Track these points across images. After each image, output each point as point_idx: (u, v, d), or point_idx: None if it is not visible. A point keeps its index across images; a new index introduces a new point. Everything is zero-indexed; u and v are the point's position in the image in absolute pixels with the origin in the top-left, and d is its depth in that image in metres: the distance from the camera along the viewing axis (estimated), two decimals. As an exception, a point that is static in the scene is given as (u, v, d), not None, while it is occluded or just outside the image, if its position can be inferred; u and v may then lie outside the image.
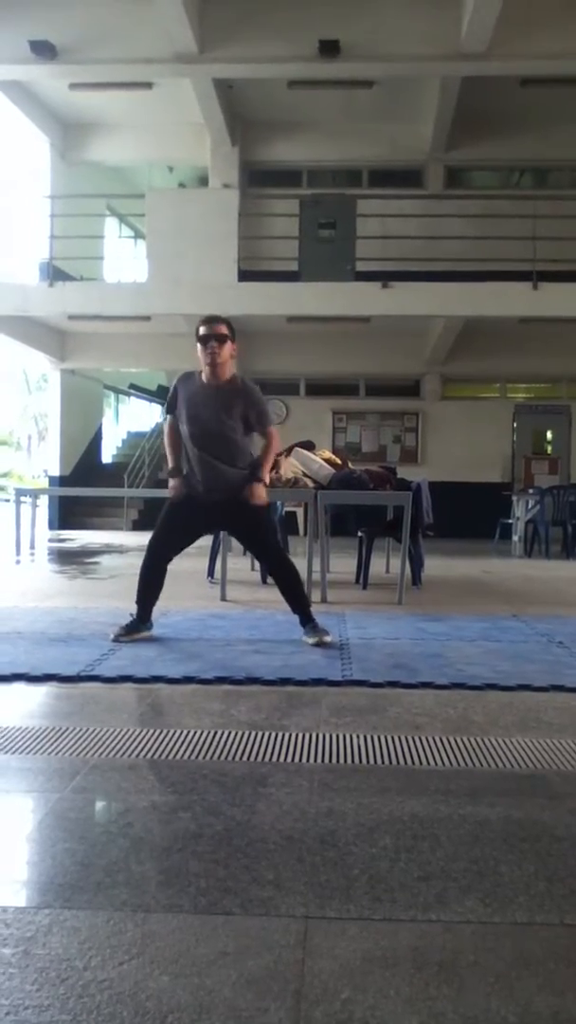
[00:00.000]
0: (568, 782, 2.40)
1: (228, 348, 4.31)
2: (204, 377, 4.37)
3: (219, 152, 13.86)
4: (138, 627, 4.42)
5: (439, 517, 7.47)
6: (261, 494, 4.42)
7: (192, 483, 4.48)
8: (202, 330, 4.30)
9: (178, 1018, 1.32)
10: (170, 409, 4.53)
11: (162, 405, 20.05)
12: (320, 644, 4.25)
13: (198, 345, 4.31)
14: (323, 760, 2.55)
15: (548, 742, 2.73)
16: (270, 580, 6.87)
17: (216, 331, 4.27)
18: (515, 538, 11.13)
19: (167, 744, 2.66)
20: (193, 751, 2.60)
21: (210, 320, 4.32)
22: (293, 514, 8.65)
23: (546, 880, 1.80)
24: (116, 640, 4.30)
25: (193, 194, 14.47)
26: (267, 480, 4.56)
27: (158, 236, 12.30)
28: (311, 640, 4.30)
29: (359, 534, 6.95)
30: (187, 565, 8.38)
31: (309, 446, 7.36)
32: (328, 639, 4.29)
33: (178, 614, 5.15)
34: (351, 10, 10.56)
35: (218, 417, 4.32)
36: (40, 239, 13.37)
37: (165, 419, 4.61)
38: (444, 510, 7.90)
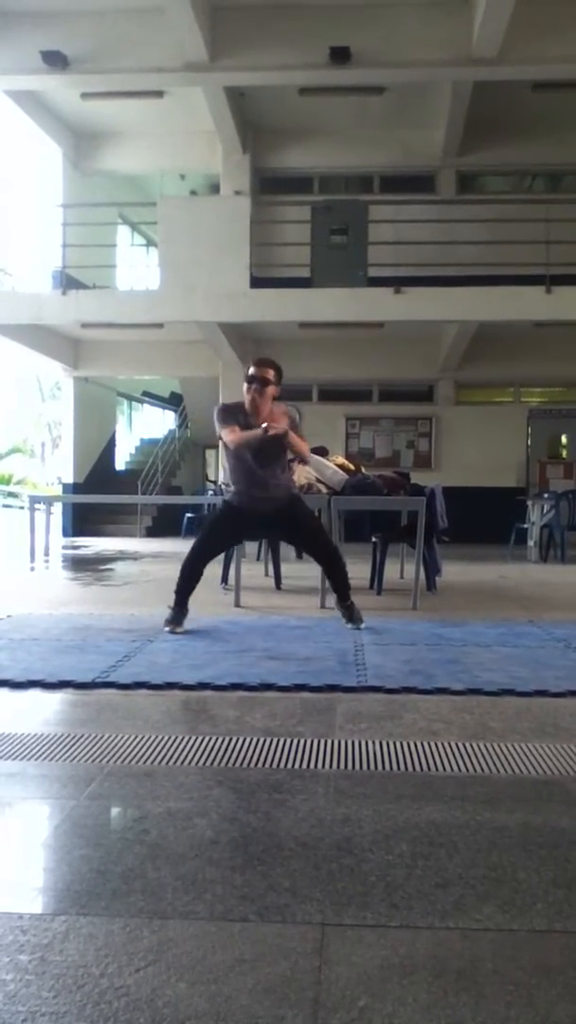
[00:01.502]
0: (586, 788, 2.38)
1: (270, 391, 4.80)
2: (249, 410, 4.84)
3: (231, 159, 13.91)
4: (180, 618, 4.86)
5: (454, 522, 7.44)
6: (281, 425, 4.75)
7: (243, 499, 4.92)
8: (251, 371, 4.81)
9: (195, 1026, 1.31)
10: (226, 423, 4.88)
11: (175, 412, 20.15)
12: (355, 627, 4.90)
13: (244, 383, 4.83)
14: (339, 767, 2.54)
15: (566, 748, 2.71)
16: (284, 586, 6.88)
17: (262, 375, 4.77)
18: (530, 543, 11.08)
19: (182, 750, 2.66)
20: (208, 757, 2.60)
21: (261, 363, 4.84)
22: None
23: (565, 887, 1.79)
24: (172, 632, 4.72)
25: (205, 202, 14.52)
26: (287, 433, 4.75)
27: (170, 244, 12.34)
28: (348, 624, 4.95)
29: (373, 539, 6.93)
30: (201, 571, 8.41)
31: (323, 452, 7.36)
32: (362, 625, 4.92)
33: (192, 621, 5.15)
34: (361, 17, 10.58)
35: (267, 446, 4.75)
36: (53, 248, 13.46)
37: (227, 430, 4.87)
38: (459, 515, 7.87)
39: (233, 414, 4.88)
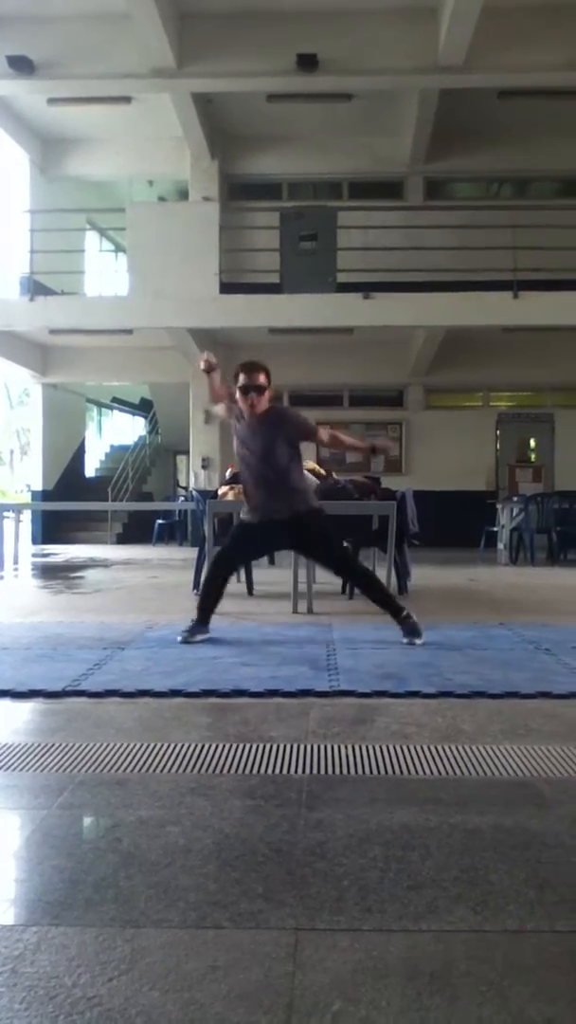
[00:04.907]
0: (557, 789, 2.40)
1: (266, 396, 4.65)
2: (245, 415, 4.70)
3: (199, 166, 13.90)
4: (200, 629, 4.75)
5: (424, 526, 7.48)
6: (386, 446, 5.02)
7: (252, 509, 4.80)
8: (242, 379, 4.62)
9: (169, 1034, 1.31)
10: (229, 409, 4.87)
11: (145, 418, 20.10)
12: (411, 643, 4.55)
13: (237, 391, 4.64)
14: (311, 771, 2.54)
15: (537, 749, 2.73)
16: (256, 591, 6.87)
17: (255, 382, 4.61)
18: (500, 546, 11.16)
19: (154, 758, 2.65)
20: (181, 765, 2.59)
21: (250, 369, 4.63)
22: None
23: (537, 887, 1.80)
24: (185, 642, 4.60)
25: (174, 208, 14.49)
26: (362, 445, 5.09)
27: (139, 250, 12.32)
28: (404, 640, 4.59)
29: (344, 544, 6.93)
30: (173, 578, 8.39)
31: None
32: (418, 640, 4.57)
33: (165, 627, 5.13)
34: (328, 24, 10.64)
35: (264, 448, 4.65)
36: (20, 254, 13.37)
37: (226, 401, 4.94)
38: (429, 519, 7.91)
39: (235, 412, 4.81)
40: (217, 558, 5.02)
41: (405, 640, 4.58)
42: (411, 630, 4.64)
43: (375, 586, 4.85)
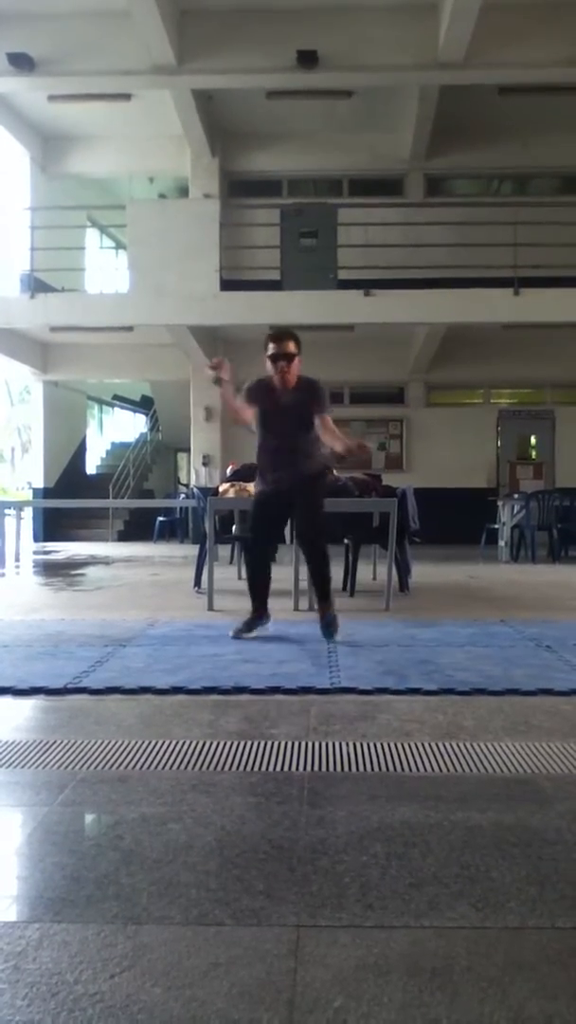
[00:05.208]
0: (558, 786, 2.40)
1: (296, 364, 4.69)
2: (276, 384, 4.71)
3: (199, 163, 13.89)
4: (258, 622, 4.75)
5: (425, 523, 7.48)
6: (365, 451, 5.01)
7: (269, 479, 4.81)
8: (272, 348, 4.65)
9: (171, 1031, 1.31)
10: (245, 399, 4.82)
11: (146, 415, 20.08)
12: (326, 638, 4.57)
13: (267, 360, 4.66)
14: (313, 768, 2.54)
15: (537, 746, 2.73)
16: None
17: (285, 350, 4.63)
18: (501, 543, 11.16)
19: (156, 755, 2.65)
20: (182, 762, 2.59)
21: (279, 338, 4.67)
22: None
23: (537, 884, 1.80)
24: (236, 637, 4.60)
25: (174, 205, 14.48)
26: (347, 442, 4.91)
27: (140, 247, 12.31)
28: (320, 633, 4.62)
29: (345, 541, 6.95)
30: (174, 576, 8.39)
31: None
32: (335, 638, 4.57)
33: (166, 624, 5.14)
34: (328, 21, 10.62)
35: (293, 417, 4.70)
36: (21, 251, 13.36)
37: (242, 399, 4.88)
38: (430, 516, 7.91)
39: (256, 396, 4.76)
40: (247, 552, 5.00)
41: (321, 633, 4.63)
42: (329, 624, 4.65)
43: (325, 572, 4.76)
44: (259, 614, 4.80)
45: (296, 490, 4.74)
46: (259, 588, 4.83)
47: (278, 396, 4.72)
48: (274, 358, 4.66)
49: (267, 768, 2.54)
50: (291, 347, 4.66)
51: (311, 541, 4.81)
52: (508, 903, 1.72)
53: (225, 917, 1.66)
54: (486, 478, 14.22)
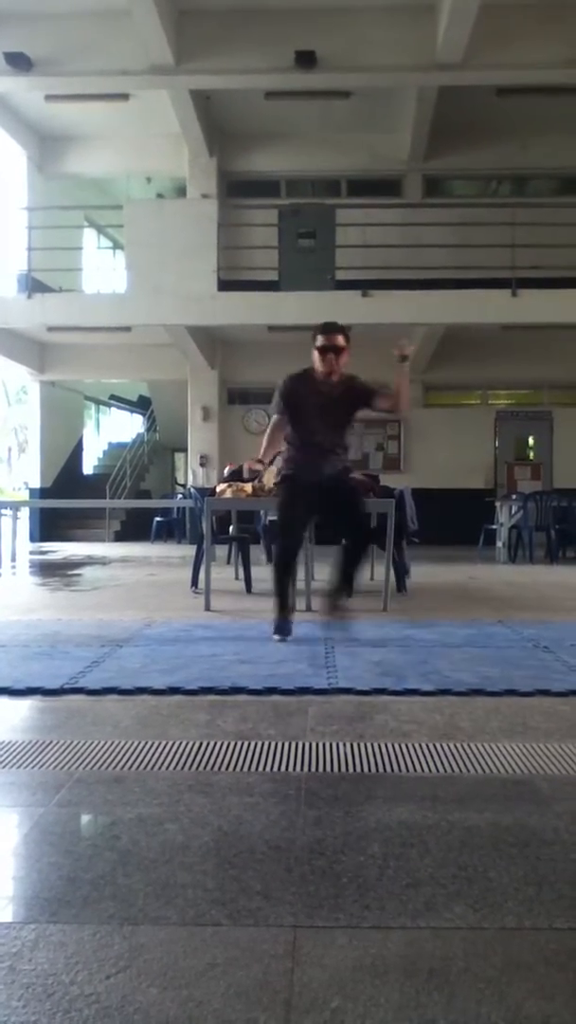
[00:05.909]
0: (555, 786, 2.40)
1: (345, 358, 4.69)
2: (320, 377, 4.68)
3: (197, 163, 13.89)
4: (285, 625, 4.66)
5: (423, 524, 7.48)
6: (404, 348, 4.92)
7: (300, 474, 4.74)
8: (320, 340, 4.64)
9: (167, 1032, 1.30)
10: (280, 410, 4.76)
11: (143, 415, 20.06)
12: (326, 622, 4.68)
13: (315, 352, 4.64)
14: (310, 769, 2.54)
15: (535, 747, 2.73)
16: (254, 589, 6.86)
17: (335, 343, 4.64)
18: (499, 544, 11.16)
19: (153, 756, 2.64)
20: (179, 762, 2.58)
21: (328, 331, 4.67)
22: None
23: (535, 885, 1.80)
24: (283, 640, 4.56)
25: (172, 205, 14.47)
26: (400, 378, 4.98)
27: (137, 247, 12.30)
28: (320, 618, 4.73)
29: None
30: (171, 576, 8.38)
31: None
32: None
33: (163, 625, 5.13)
34: (327, 22, 10.62)
35: (334, 412, 4.72)
36: (18, 251, 13.35)
37: (273, 417, 4.88)
38: (428, 517, 7.91)
39: (293, 392, 4.71)
40: (278, 549, 4.87)
41: (321, 618, 4.71)
42: (332, 610, 4.68)
43: (361, 562, 4.85)
44: (288, 611, 4.70)
45: (333, 482, 4.73)
46: (287, 586, 4.72)
47: (320, 388, 4.69)
48: (323, 350, 4.64)
49: (264, 768, 2.53)
50: (341, 340, 4.66)
51: (360, 525, 4.83)
52: (505, 903, 1.71)
53: (222, 917, 1.66)
54: (484, 479, 14.22)
